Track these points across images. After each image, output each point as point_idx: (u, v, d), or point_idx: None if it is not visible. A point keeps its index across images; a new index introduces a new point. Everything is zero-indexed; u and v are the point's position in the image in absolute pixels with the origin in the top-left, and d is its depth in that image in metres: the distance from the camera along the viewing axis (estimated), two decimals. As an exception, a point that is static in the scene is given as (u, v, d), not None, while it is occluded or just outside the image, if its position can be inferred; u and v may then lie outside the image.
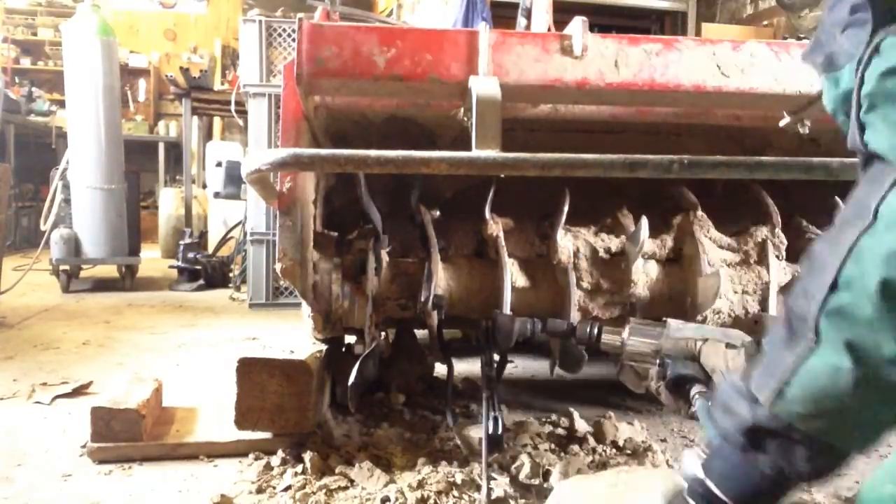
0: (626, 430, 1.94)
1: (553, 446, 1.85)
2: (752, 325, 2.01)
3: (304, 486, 1.58)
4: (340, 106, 1.90)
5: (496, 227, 2.02)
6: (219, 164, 4.54)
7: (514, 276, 2.01)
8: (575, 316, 1.95)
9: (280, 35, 3.93)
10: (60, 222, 4.68)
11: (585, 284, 2.02)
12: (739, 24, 5.65)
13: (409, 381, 2.23)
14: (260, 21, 3.92)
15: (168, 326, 3.60)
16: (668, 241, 2.09)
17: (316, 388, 1.82)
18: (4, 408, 2.23)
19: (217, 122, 8.61)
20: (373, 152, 1.39)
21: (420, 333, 2.28)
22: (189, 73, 5.75)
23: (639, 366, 1.92)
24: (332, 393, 2.11)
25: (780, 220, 2.10)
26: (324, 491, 1.56)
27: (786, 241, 2.08)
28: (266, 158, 1.42)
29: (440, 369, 2.11)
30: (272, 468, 1.70)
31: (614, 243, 2.05)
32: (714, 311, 1.99)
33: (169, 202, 6.62)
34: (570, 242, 2.02)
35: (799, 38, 4.23)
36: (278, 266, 1.80)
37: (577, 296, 1.98)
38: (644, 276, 2.05)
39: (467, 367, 2.57)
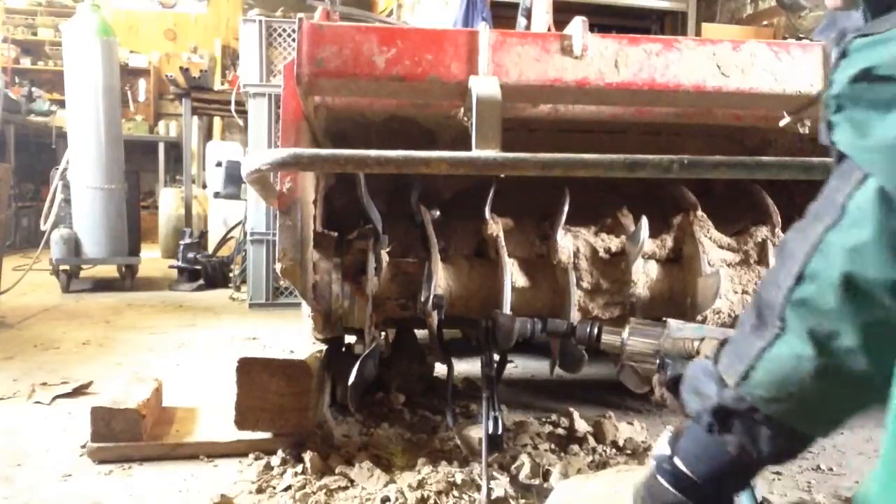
0: (626, 430, 1.94)
1: (553, 446, 1.86)
2: (752, 325, 2.01)
3: (304, 486, 1.58)
4: (340, 106, 1.90)
5: (496, 227, 2.02)
6: (219, 164, 4.54)
7: (514, 276, 2.01)
8: (575, 316, 1.95)
9: (280, 35, 3.93)
10: (60, 222, 4.68)
11: (585, 284, 2.02)
12: (739, 24, 5.65)
13: (409, 381, 2.23)
14: (260, 21, 3.92)
15: (168, 326, 3.60)
16: (668, 241, 2.09)
17: (316, 388, 1.82)
18: (4, 408, 2.23)
19: (217, 122, 8.60)
20: (373, 152, 1.39)
21: (420, 333, 2.28)
22: (189, 73, 5.75)
23: (639, 366, 1.92)
24: (332, 393, 2.11)
25: (780, 220, 2.10)
26: (324, 491, 1.56)
27: (786, 241, 2.07)
28: (266, 158, 1.42)
29: (440, 369, 2.11)
30: (272, 468, 1.70)
31: (614, 243, 2.05)
32: (714, 311, 1.99)
33: (169, 202, 6.62)
34: (570, 242, 2.02)
35: (799, 38, 4.23)
36: (278, 266, 1.80)
37: (577, 296, 1.98)
38: (644, 276, 2.05)
39: (467, 367, 2.57)
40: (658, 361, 1.67)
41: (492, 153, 1.47)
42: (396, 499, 1.51)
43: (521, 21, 3.58)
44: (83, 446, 1.82)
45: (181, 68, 6.07)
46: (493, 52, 1.61)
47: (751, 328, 0.87)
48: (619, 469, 1.53)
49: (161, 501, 1.57)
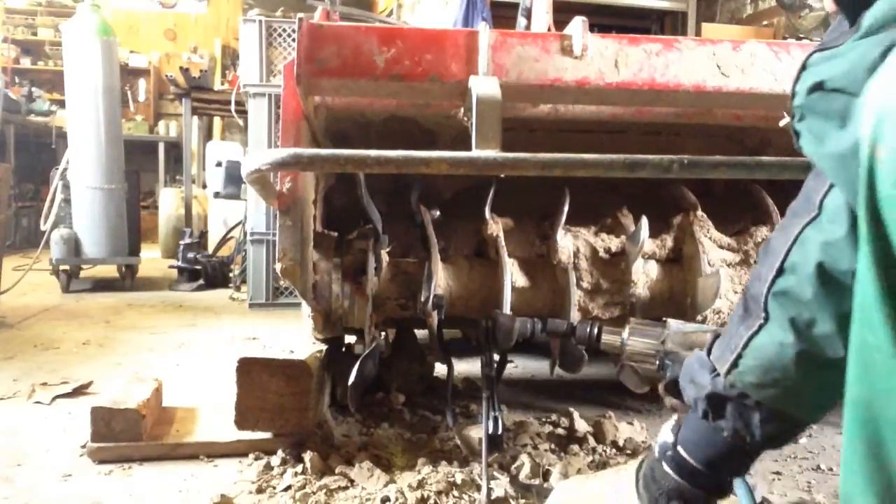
0: (626, 430, 1.94)
1: (553, 446, 1.86)
2: (752, 325, 2.01)
3: (304, 486, 1.58)
4: (340, 106, 1.90)
5: (496, 227, 2.02)
6: (219, 164, 4.54)
7: (514, 276, 2.01)
8: (575, 316, 1.95)
9: (280, 35, 3.93)
10: (60, 222, 4.68)
11: (585, 284, 2.02)
12: (739, 24, 5.65)
13: (409, 381, 2.23)
14: (260, 21, 3.92)
15: (168, 326, 3.60)
16: (668, 241, 2.09)
17: (316, 388, 1.82)
18: (4, 408, 2.23)
19: (217, 122, 8.61)
20: (373, 152, 1.39)
21: (420, 333, 2.28)
22: (189, 73, 5.75)
23: (639, 366, 1.92)
24: (332, 393, 2.11)
25: (780, 220, 2.10)
26: (324, 491, 1.56)
27: (786, 241, 2.08)
28: (266, 158, 1.42)
29: (440, 369, 2.11)
30: (272, 468, 1.70)
31: (614, 243, 2.05)
32: (714, 311, 1.99)
33: (169, 202, 6.62)
34: (570, 242, 2.02)
35: (799, 38, 4.24)
36: (278, 266, 1.80)
37: (577, 296, 1.98)
38: (644, 276, 2.05)
39: (467, 367, 2.57)
40: (658, 362, 1.67)
41: (492, 153, 1.47)
42: (396, 499, 1.51)
43: (521, 21, 3.59)
44: (83, 446, 1.82)
45: (181, 68, 6.07)
46: (493, 52, 1.61)
47: (739, 319, 0.93)
48: (619, 469, 1.53)
49: (161, 501, 1.57)
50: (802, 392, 0.89)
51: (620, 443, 1.89)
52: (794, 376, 0.87)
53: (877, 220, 0.59)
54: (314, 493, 1.55)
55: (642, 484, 1.09)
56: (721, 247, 2.08)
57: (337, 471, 1.65)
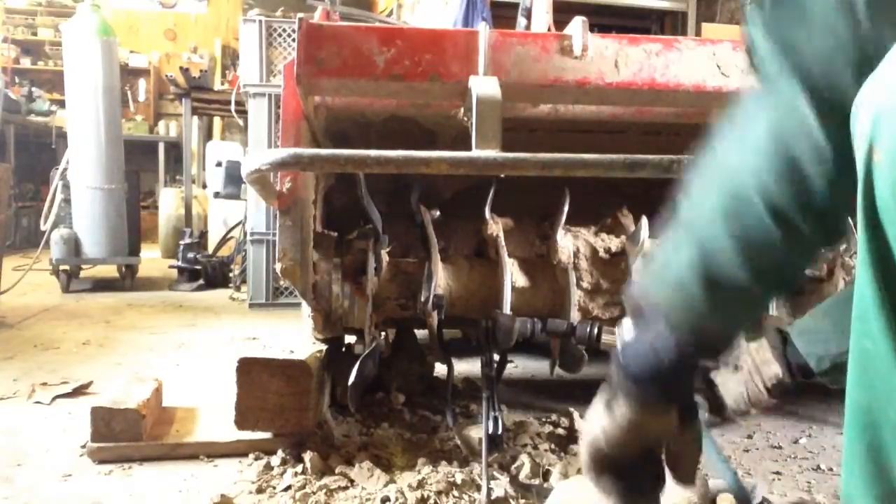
0: (626, 430, 1.94)
1: (553, 446, 1.85)
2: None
3: (304, 486, 1.58)
4: (340, 106, 1.90)
5: (496, 227, 2.01)
6: (219, 164, 4.54)
7: (514, 276, 2.01)
8: (575, 316, 1.95)
9: (280, 35, 3.93)
10: (60, 222, 4.68)
11: (585, 284, 2.02)
12: (739, 24, 5.64)
13: (409, 381, 2.23)
14: (260, 21, 3.91)
15: (168, 326, 3.60)
16: (668, 241, 2.09)
17: (316, 388, 1.82)
18: (4, 408, 2.23)
19: (217, 122, 8.61)
20: (373, 152, 1.39)
21: (420, 333, 2.28)
22: (189, 73, 5.75)
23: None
24: (332, 393, 2.10)
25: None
26: (324, 491, 1.56)
27: (786, 241, 2.08)
28: (266, 158, 1.42)
29: (440, 369, 2.11)
30: (272, 468, 1.70)
31: (614, 243, 2.05)
32: (714, 311, 1.99)
33: (169, 202, 6.62)
34: (570, 242, 2.02)
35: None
36: (278, 266, 1.80)
37: (577, 296, 1.98)
38: (644, 276, 2.05)
39: (467, 367, 2.57)
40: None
41: (492, 153, 1.47)
42: (396, 499, 1.51)
43: (521, 21, 3.59)
44: (83, 446, 1.82)
45: (181, 68, 6.08)
46: (493, 52, 1.61)
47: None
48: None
49: (161, 501, 1.57)
50: (704, 312, 0.86)
51: (620, 443, 1.89)
52: (696, 295, 0.84)
53: (875, 226, 0.58)
54: (314, 493, 1.55)
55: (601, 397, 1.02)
56: (721, 247, 2.08)
57: (337, 471, 1.65)
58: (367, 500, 1.53)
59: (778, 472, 1.78)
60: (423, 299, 1.90)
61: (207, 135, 8.44)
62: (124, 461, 1.75)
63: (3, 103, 6.16)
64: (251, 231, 4.11)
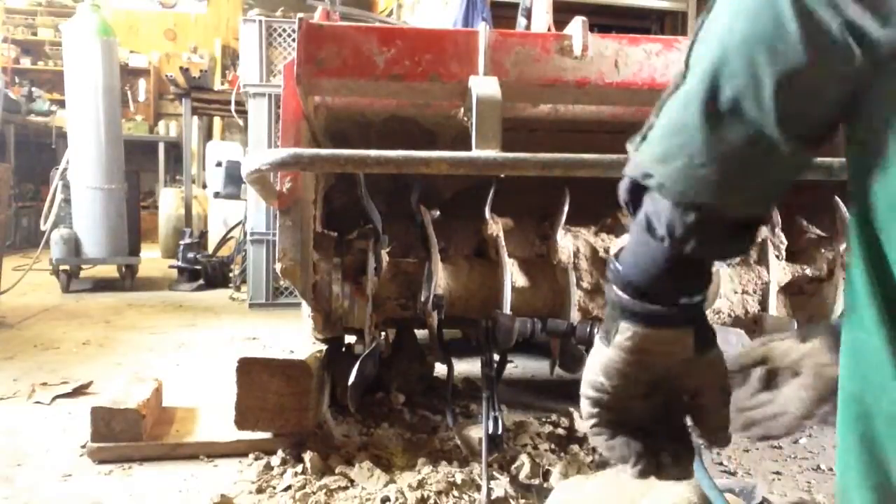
0: (626, 430, 1.94)
1: (553, 446, 1.85)
2: (752, 324, 2.01)
3: (304, 486, 1.58)
4: (340, 106, 1.90)
5: (496, 227, 2.01)
6: (219, 164, 4.54)
7: (514, 276, 2.01)
8: (575, 316, 1.95)
9: (280, 35, 3.93)
10: (60, 222, 4.68)
11: (585, 284, 2.02)
12: (739, 24, 5.64)
13: (409, 381, 2.23)
14: (260, 21, 3.91)
15: (168, 326, 3.60)
16: (668, 241, 2.09)
17: (316, 388, 1.82)
18: (4, 408, 2.23)
19: (217, 122, 8.60)
20: (373, 152, 1.39)
21: (420, 333, 2.28)
22: (189, 73, 5.75)
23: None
24: (332, 393, 2.11)
25: (780, 219, 2.10)
26: (324, 491, 1.56)
27: (786, 241, 2.08)
28: (266, 158, 1.42)
29: (440, 369, 2.11)
30: (272, 468, 1.70)
31: (614, 243, 2.05)
32: (714, 311, 1.99)
33: (169, 202, 6.62)
34: (570, 242, 2.02)
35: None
36: (278, 266, 1.80)
37: (577, 296, 1.98)
38: (644, 276, 2.05)
39: (467, 367, 2.57)
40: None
41: (492, 153, 1.47)
42: (396, 499, 1.51)
43: (521, 21, 3.58)
44: (83, 446, 1.82)
45: (181, 68, 6.08)
46: (493, 52, 1.61)
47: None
48: (619, 469, 1.53)
49: (161, 501, 1.57)
50: (705, 163, 0.71)
51: (620, 443, 1.89)
52: (697, 140, 0.70)
53: (866, 217, 0.58)
54: (314, 493, 1.55)
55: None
56: (721, 247, 2.08)
57: (337, 471, 1.65)
58: (367, 500, 1.53)
59: (778, 472, 1.78)
60: (423, 299, 1.90)
61: (207, 135, 8.44)
62: (124, 461, 1.75)
63: (3, 103, 6.15)
64: (251, 231, 4.11)
